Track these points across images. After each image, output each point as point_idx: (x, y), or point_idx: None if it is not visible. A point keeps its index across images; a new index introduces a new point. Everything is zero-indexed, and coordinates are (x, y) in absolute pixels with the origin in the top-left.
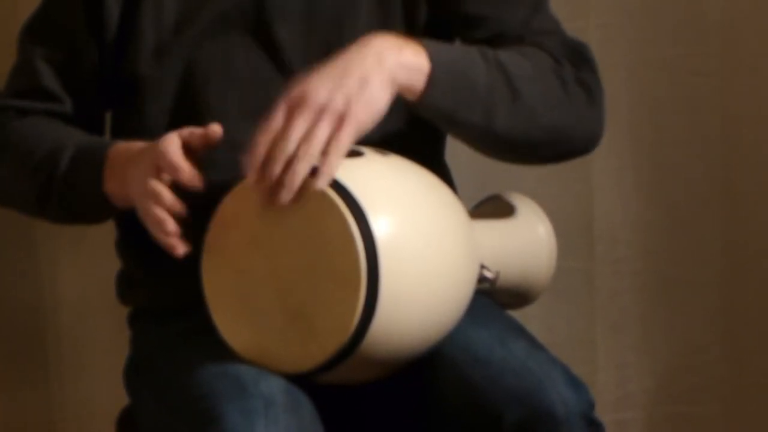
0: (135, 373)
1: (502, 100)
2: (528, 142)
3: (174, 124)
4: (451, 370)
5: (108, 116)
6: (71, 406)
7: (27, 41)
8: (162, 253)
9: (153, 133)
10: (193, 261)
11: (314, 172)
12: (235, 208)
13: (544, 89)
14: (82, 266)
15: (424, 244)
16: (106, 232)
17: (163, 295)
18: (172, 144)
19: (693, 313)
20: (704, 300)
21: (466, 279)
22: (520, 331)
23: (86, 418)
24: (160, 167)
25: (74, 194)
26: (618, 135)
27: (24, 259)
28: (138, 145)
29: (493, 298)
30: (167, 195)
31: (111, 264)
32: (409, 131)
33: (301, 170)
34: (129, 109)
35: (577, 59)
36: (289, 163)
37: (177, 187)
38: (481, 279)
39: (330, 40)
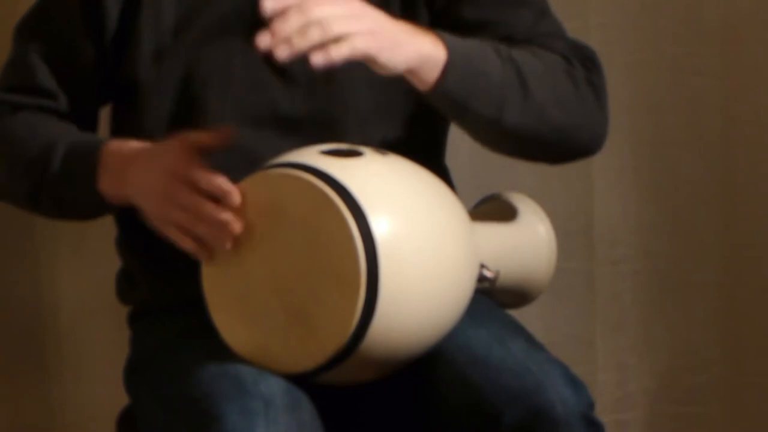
0: (135, 373)
1: (513, 95)
2: (536, 138)
3: (173, 127)
4: (451, 370)
5: (108, 117)
6: (71, 406)
7: (22, 37)
8: (162, 251)
9: (152, 135)
10: (193, 260)
11: None
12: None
13: (555, 88)
14: (82, 266)
15: (423, 244)
16: (106, 232)
17: (164, 294)
18: (201, 168)
19: (693, 313)
20: (704, 300)
21: (466, 279)
22: (519, 331)
23: (86, 418)
24: (196, 186)
25: (67, 192)
26: (618, 135)
27: (24, 259)
28: (133, 145)
29: (493, 297)
30: (224, 216)
31: (111, 264)
32: (410, 132)
33: (312, 35)
34: (128, 111)
35: (586, 61)
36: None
37: None
38: (481, 278)
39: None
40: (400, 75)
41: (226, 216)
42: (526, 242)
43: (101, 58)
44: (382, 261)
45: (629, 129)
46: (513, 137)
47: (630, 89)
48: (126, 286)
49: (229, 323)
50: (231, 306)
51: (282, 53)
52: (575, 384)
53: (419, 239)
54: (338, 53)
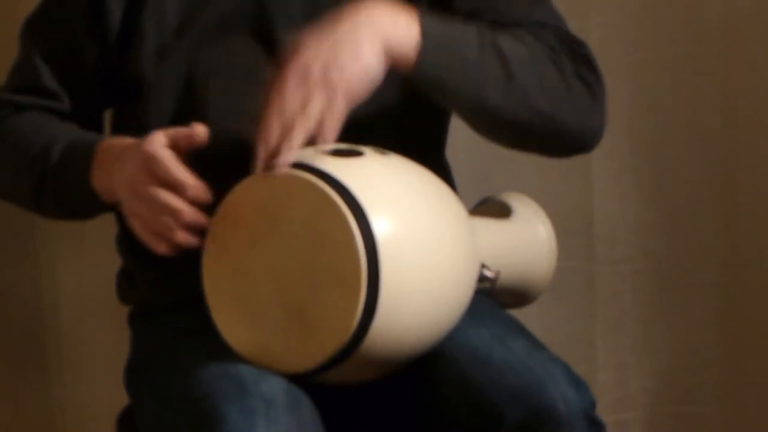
0: (135, 373)
1: (495, 78)
2: (523, 124)
3: (175, 125)
4: (452, 370)
5: (109, 116)
6: (71, 406)
7: (27, 38)
8: None
9: None
10: (194, 258)
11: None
12: (237, 207)
13: (540, 74)
14: (82, 266)
15: (424, 244)
16: (106, 231)
17: (164, 294)
18: (165, 152)
19: (693, 313)
20: (704, 300)
21: (467, 279)
22: (520, 330)
23: (86, 418)
24: (153, 174)
25: (64, 189)
26: (618, 135)
27: (24, 259)
28: (126, 141)
29: (494, 297)
30: (187, 211)
31: (111, 264)
32: (410, 130)
33: (296, 138)
34: (130, 110)
35: (575, 54)
36: (287, 133)
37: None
38: (482, 278)
39: None
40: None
41: (177, 203)
42: (527, 242)
43: (104, 58)
44: (382, 261)
45: (629, 129)
46: (497, 120)
47: (630, 89)
48: (126, 285)
49: (230, 323)
50: (231, 306)
51: (281, 165)
52: (577, 383)
53: (420, 239)
54: (327, 136)
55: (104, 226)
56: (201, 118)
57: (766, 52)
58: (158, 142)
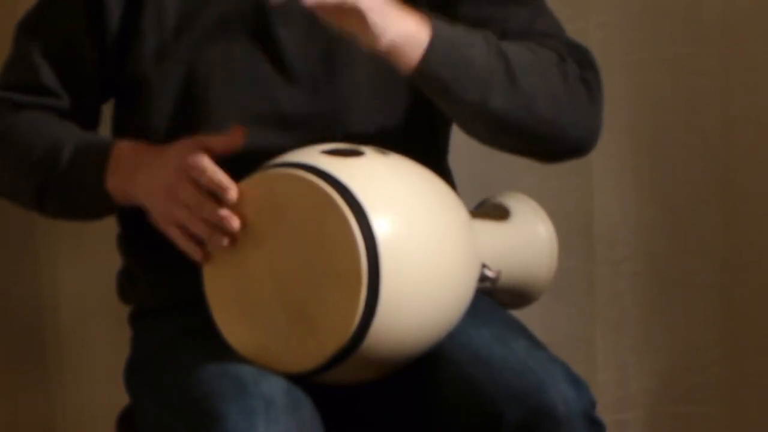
0: (135, 373)
1: (499, 83)
2: (523, 129)
3: (176, 126)
4: (452, 369)
5: (108, 117)
6: (71, 406)
7: (24, 35)
8: (163, 251)
9: (155, 134)
10: (193, 259)
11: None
12: (237, 206)
13: (545, 81)
14: (82, 266)
15: (425, 244)
16: (106, 231)
17: (164, 293)
18: (206, 160)
19: (693, 314)
20: (704, 300)
21: (467, 278)
22: (520, 330)
23: (86, 418)
24: (196, 182)
25: (74, 191)
26: (618, 135)
27: (24, 259)
28: (147, 148)
29: (494, 297)
30: (221, 212)
31: (111, 264)
32: (412, 131)
33: None
34: (131, 110)
35: (581, 60)
36: None
37: None
38: (483, 278)
39: (331, 41)
40: (383, 53)
41: (224, 212)
42: (527, 242)
43: (103, 57)
44: (383, 260)
45: (629, 129)
46: (498, 124)
47: (630, 89)
48: (127, 285)
49: (230, 323)
50: (232, 305)
51: None
52: (577, 383)
53: (420, 239)
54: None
55: (104, 226)
56: (201, 118)
57: (765, 53)
58: (193, 148)
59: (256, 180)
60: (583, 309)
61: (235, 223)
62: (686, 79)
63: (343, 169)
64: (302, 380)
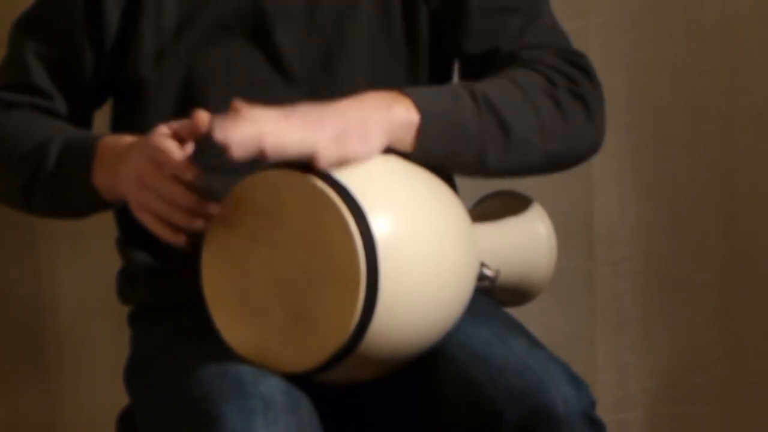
0: (135, 373)
1: (494, 141)
2: (524, 169)
3: None
4: (452, 369)
5: (107, 117)
6: (71, 406)
7: (19, 35)
8: (162, 251)
9: None
10: (193, 258)
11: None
12: (236, 206)
13: (538, 118)
14: (82, 266)
15: (423, 244)
16: (106, 231)
17: (164, 294)
18: (168, 142)
19: (693, 313)
20: (704, 300)
21: (466, 278)
22: (520, 330)
23: (86, 418)
24: (159, 164)
25: (62, 187)
26: (618, 135)
27: (24, 259)
28: (127, 139)
29: (493, 296)
30: (179, 190)
31: (110, 264)
32: None
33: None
34: (129, 112)
35: (573, 72)
36: None
37: None
38: (482, 277)
39: (330, 43)
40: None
41: (179, 189)
42: (526, 240)
43: (101, 58)
44: (381, 260)
45: (629, 129)
46: (500, 174)
47: (630, 89)
48: (126, 285)
49: (230, 323)
50: (231, 305)
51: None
52: (577, 383)
53: (419, 238)
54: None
55: (104, 226)
56: None
57: (765, 52)
58: (161, 134)
59: (254, 180)
60: (583, 309)
61: (193, 202)
62: (686, 79)
63: (341, 168)
64: (301, 380)
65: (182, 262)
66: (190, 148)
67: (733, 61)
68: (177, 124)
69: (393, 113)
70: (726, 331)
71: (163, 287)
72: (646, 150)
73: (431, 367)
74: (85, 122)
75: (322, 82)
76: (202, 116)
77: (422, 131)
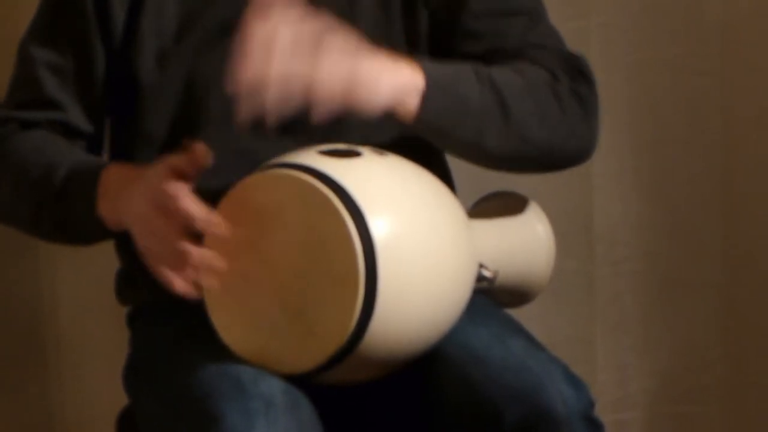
0: (135, 373)
1: (494, 119)
2: (520, 157)
3: (175, 131)
4: (451, 369)
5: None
6: (71, 406)
7: (28, 50)
8: None
9: (153, 140)
10: None
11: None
12: (235, 207)
13: (538, 106)
14: (82, 266)
15: (422, 244)
16: None
17: (163, 294)
18: (178, 187)
19: (693, 313)
20: (704, 300)
21: (465, 278)
22: (518, 330)
23: (86, 418)
24: (169, 212)
25: (67, 214)
26: (618, 135)
27: (24, 259)
28: (130, 171)
29: (492, 297)
30: (196, 252)
31: (110, 264)
32: (409, 132)
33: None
34: (129, 115)
35: (573, 72)
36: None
37: None
38: (480, 278)
39: None
40: (382, 111)
41: (187, 246)
42: (525, 241)
43: (109, 59)
44: (380, 261)
45: (629, 129)
46: (497, 158)
47: (630, 89)
48: (125, 285)
49: (228, 324)
50: (230, 306)
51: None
52: (576, 383)
53: (418, 239)
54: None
55: None
56: (200, 124)
57: (765, 52)
58: (165, 176)
59: (253, 181)
60: (583, 309)
61: (197, 258)
62: (686, 79)
63: (340, 169)
64: (301, 380)
65: None
66: (192, 185)
67: (733, 61)
68: (176, 160)
69: (401, 75)
70: (726, 331)
71: (162, 288)
72: (646, 150)
73: (430, 368)
74: (99, 131)
75: None
76: (200, 149)
77: (426, 98)
